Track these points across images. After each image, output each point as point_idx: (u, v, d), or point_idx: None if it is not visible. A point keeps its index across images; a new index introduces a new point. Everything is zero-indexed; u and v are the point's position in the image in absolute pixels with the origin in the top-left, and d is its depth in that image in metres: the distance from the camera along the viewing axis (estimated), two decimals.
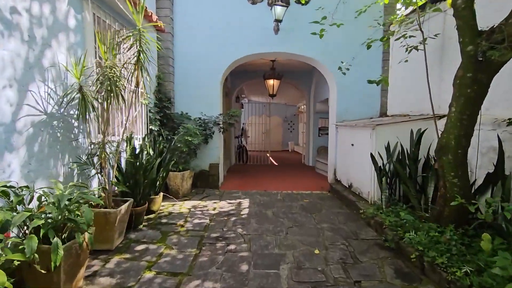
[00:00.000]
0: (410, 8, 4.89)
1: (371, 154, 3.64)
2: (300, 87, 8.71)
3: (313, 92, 8.27)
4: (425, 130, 3.50)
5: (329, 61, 5.43)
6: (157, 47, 3.45)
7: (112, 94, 2.73)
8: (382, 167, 3.64)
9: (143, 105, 4.36)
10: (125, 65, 2.93)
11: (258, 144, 11.59)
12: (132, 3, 2.85)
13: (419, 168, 3.56)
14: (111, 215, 2.67)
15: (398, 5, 5.30)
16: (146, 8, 3.53)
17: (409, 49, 3.79)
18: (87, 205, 2.11)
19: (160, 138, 4.46)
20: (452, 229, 2.50)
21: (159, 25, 4.26)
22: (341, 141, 5.31)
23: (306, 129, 8.90)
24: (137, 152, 3.72)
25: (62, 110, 2.66)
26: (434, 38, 3.67)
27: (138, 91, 4.17)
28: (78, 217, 2.05)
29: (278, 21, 5.07)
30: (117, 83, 2.79)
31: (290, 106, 15.83)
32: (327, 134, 8.48)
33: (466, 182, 2.59)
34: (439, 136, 2.95)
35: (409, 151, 3.57)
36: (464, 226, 2.57)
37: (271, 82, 7.05)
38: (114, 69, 2.73)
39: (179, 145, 4.56)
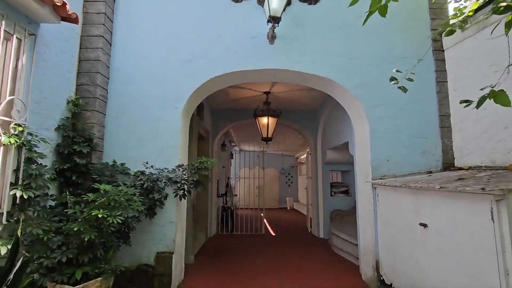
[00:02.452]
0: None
1: None
2: (303, 131, 6.73)
3: (321, 137, 6.25)
4: None
5: (352, 81, 3.49)
6: None
7: None
8: None
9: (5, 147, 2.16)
10: None
11: (251, 201, 9.19)
12: None
13: None
14: None
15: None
16: None
17: None
18: None
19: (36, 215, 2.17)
20: None
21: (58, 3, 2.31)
22: (386, 211, 3.06)
23: (311, 185, 6.67)
24: None
25: None
26: None
27: None
28: None
29: (274, 19, 3.23)
30: None
31: (287, 156, 13.83)
32: (343, 193, 6.24)
33: None
34: None
35: None
36: None
37: (264, 120, 5.05)
38: None
39: (76, 228, 2.24)
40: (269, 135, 5.12)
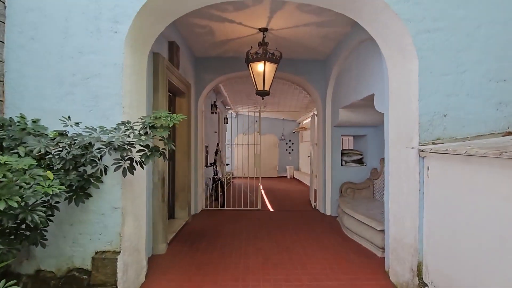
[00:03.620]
0: None
1: None
2: (309, 86, 5.48)
3: (332, 92, 5.03)
4: None
5: None
6: None
7: None
8: None
9: None
10: None
11: (249, 169, 8.19)
12: None
13: None
14: None
15: None
16: None
17: None
18: None
19: None
20: None
21: None
22: (444, 193, 1.97)
23: (317, 153, 5.59)
24: None
25: None
26: None
27: None
28: None
29: None
30: None
31: (288, 121, 12.66)
32: (357, 162, 5.18)
33: None
34: None
35: None
36: None
37: (260, 67, 3.80)
38: None
39: None
40: (266, 88, 3.89)
